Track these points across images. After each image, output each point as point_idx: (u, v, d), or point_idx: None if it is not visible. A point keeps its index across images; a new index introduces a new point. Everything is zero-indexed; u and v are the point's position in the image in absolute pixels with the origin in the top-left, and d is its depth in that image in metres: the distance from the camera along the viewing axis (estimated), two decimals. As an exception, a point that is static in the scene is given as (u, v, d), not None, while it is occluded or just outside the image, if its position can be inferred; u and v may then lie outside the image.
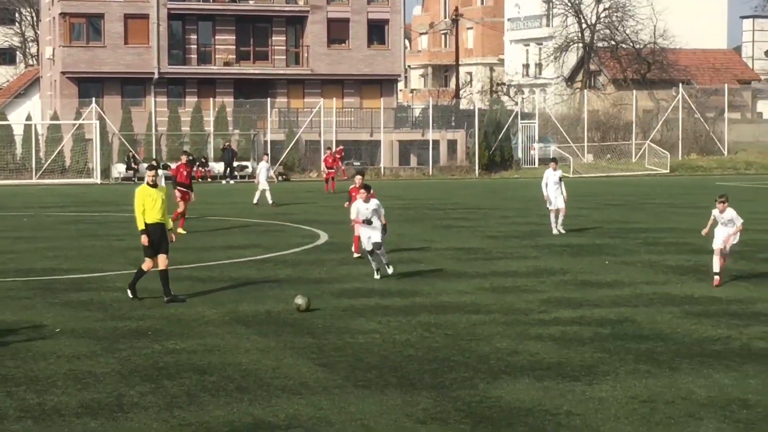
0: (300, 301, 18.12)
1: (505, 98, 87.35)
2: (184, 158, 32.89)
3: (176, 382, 13.24)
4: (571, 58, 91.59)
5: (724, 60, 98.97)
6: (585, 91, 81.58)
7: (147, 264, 19.24)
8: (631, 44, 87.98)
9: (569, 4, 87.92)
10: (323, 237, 30.32)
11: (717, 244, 20.97)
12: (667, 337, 15.91)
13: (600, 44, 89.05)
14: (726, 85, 79.23)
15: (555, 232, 30.19)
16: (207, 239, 30.05)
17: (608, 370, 13.81)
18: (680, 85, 77.01)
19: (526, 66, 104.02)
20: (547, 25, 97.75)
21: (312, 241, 29.30)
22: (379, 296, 19.65)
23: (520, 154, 71.30)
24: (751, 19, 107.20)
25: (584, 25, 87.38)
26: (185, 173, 31.66)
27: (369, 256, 22.00)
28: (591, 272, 22.82)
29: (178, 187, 31.26)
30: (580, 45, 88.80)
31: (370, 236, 21.72)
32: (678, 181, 60.37)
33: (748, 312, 17.92)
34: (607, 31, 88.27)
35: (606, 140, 74.45)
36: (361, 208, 22.08)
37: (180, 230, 29.08)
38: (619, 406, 12.08)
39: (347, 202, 25.55)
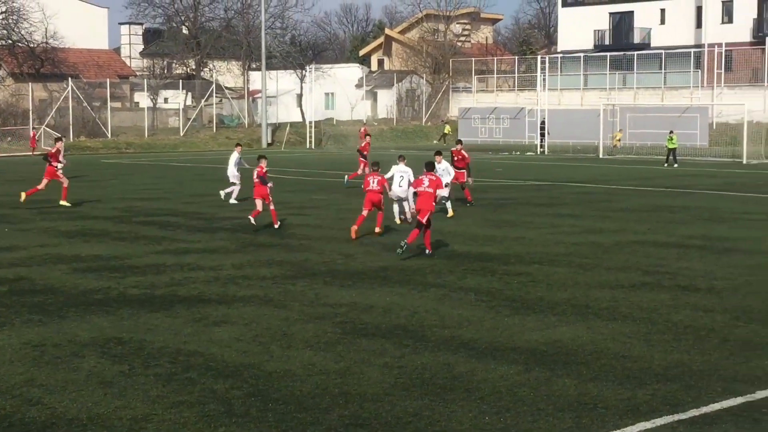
0: None
1: None
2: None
3: None
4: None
5: (106, 58, 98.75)
6: (-14, 83, 77.95)
7: None
8: (27, 43, 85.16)
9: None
10: None
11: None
12: (58, 290, 15.64)
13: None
14: (108, 79, 79.17)
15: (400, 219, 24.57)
16: None
17: (5, 321, 13.32)
18: (70, 78, 75.80)
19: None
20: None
21: None
22: None
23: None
24: (128, 25, 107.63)
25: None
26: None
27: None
28: (-8, 239, 21.91)
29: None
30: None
31: None
32: (70, 160, 59.22)
33: (125, 266, 18.06)
34: (5, 32, 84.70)
35: (7, 125, 71.68)
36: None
37: None
38: (13, 351, 11.70)
39: None
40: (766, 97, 69.70)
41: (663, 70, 78.97)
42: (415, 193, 20.10)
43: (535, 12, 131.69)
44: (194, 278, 16.69)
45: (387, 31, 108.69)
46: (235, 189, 30.26)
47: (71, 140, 70.04)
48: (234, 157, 30.93)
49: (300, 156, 62.39)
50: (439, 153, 26.06)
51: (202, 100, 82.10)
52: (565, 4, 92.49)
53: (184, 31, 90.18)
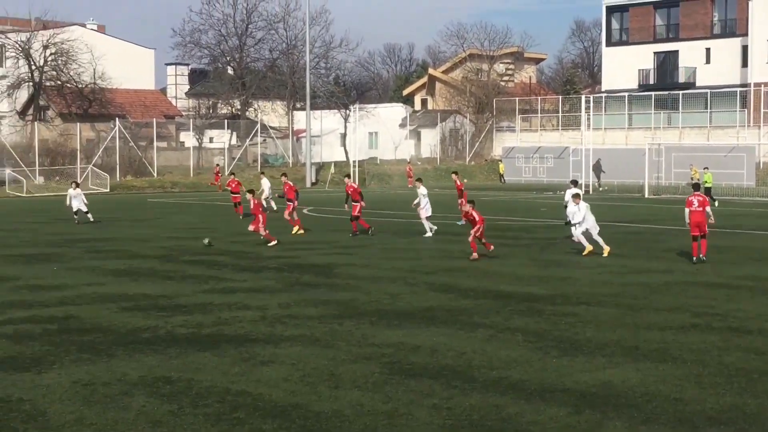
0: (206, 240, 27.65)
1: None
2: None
3: None
4: (23, 94, 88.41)
5: (153, 99, 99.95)
6: (36, 123, 79.10)
7: None
8: (75, 84, 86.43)
9: (20, 49, 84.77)
10: None
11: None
12: (106, 329, 15.74)
13: (48, 83, 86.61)
14: (155, 119, 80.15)
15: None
16: None
17: (55, 360, 13.42)
18: (117, 119, 76.79)
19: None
20: (1, 66, 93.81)
21: None
22: None
23: (-21, 177, 68.00)
24: (174, 66, 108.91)
25: (33, 67, 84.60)
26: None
27: None
28: (41, 277, 22.08)
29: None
30: (31, 84, 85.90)
31: None
32: (117, 199, 60.03)
33: (172, 305, 18.15)
34: (54, 73, 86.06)
35: (55, 164, 72.55)
36: None
37: None
38: (63, 390, 11.77)
39: None
40: (814, 136, 68.99)
41: (708, 110, 78.51)
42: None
43: (578, 51, 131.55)
44: (241, 317, 16.73)
45: (430, 70, 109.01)
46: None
47: (118, 179, 70.91)
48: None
49: (344, 195, 62.50)
50: (577, 195, 27.17)
51: (247, 140, 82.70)
52: (609, 44, 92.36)
53: (230, 71, 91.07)
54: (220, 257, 26.01)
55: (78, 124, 75.84)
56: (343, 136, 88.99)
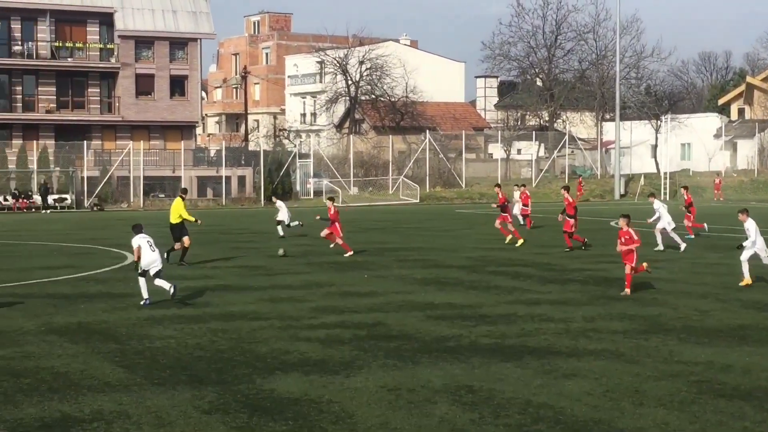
0: (281, 251, 28.98)
1: (286, 141, 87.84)
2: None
3: (-6, 385, 12.66)
4: (340, 108, 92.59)
5: (462, 111, 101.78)
6: (351, 135, 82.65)
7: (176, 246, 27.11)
8: (388, 98, 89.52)
9: (338, 65, 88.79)
10: (130, 258, 29.59)
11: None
12: (412, 336, 16.11)
13: (363, 97, 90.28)
14: (464, 131, 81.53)
15: None
16: (27, 261, 28.99)
17: (363, 364, 13.89)
18: (427, 131, 78.77)
19: (304, 115, 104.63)
20: (320, 82, 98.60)
21: (120, 262, 28.59)
22: (176, 307, 19.32)
23: (298, 187, 71.73)
24: (483, 79, 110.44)
25: (350, 82, 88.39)
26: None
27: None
28: (352, 284, 22.94)
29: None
30: (347, 98, 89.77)
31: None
32: (425, 209, 61.50)
33: (476, 315, 18.32)
34: (369, 87, 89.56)
35: (368, 176, 75.45)
36: None
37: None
38: (370, 394, 12.16)
39: None
40: None
41: None
42: None
43: None
44: (544, 329, 16.65)
45: (748, 78, 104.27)
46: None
47: (427, 190, 72.60)
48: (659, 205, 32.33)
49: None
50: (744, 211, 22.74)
51: (555, 151, 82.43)
52: None
53: (538, 83, 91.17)
54: (526, 268, 26.03)
55: (390, 136, 78.44)
56: (654, 147, 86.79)
